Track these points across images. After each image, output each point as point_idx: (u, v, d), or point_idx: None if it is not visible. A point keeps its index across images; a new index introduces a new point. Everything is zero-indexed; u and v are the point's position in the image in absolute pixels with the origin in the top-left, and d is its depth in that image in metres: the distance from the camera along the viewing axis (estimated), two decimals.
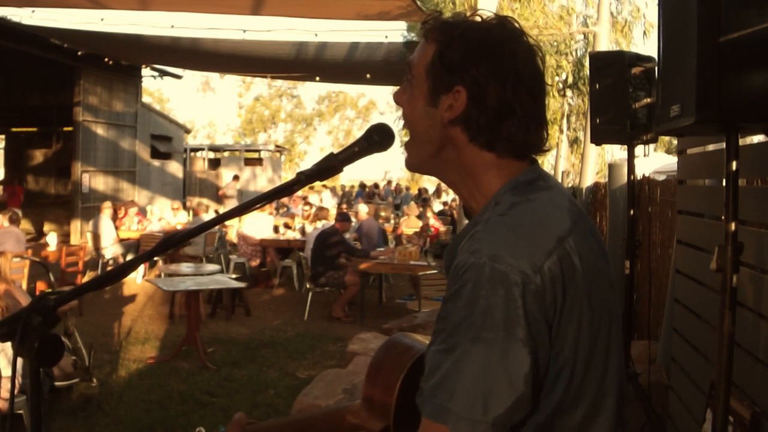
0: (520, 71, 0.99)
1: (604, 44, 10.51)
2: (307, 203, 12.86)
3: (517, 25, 1.04)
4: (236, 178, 16.76)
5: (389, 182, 24.91)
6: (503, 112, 0.99)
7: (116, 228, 10.08)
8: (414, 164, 1.10)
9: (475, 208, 1.04)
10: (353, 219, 10.12)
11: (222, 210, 14.94)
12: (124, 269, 1.05)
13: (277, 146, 27.22)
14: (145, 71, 15.71)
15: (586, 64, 9.24)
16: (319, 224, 9.35)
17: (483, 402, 0.83)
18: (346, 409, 1.26)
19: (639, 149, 4.00)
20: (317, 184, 1.29)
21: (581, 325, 0.92)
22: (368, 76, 12.74)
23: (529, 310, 0.86)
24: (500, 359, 0.84)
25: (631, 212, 3.30)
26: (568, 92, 16.55)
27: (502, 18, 1.04)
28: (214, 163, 23.62)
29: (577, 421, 0.92)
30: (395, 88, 1.10)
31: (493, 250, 0.88)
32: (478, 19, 1.04)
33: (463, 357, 0.84)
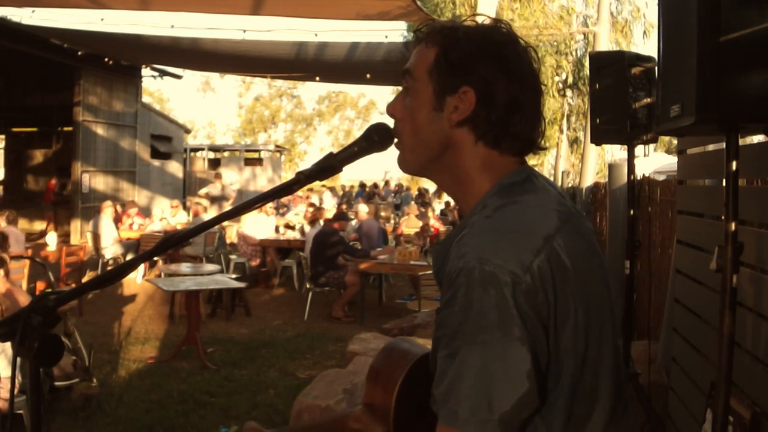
0: (524, 69, 1.02)
1: (604, 44, 10.52)
2: (310, 204, 12.83)
3: (510, 28, 1.06)
4: (218, 176, 13.95)
5: (387, 182, 24.88)
6: (512, 108, 1.00)
7: (117, 228, 10.07)
8: (411, 168, 1.10)
9: (466, 210, 1.04)
10: (354, 219, 10.11)
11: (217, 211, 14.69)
12: (124, 269, 1.05)
13: (277, 146, 27.22)
14: (145, 71, 15.69)
15: (586, 64, 9.25)
16: (317, 224, 9.34)
17: (487, 402, 0.84)
18: (348, 416, 1.27)
19: (639, 149, 4.01)
20: (317, 184, 1.30)
21: (576, 323, 0.92)
22: (368, 76, 12.73)
23: (522, 308, 0.87)
24: (499, 359, 0.85)
25: (631, 212, 3.30)
26: (568, 92, 16.56)
27: (496, 21, 1.06)
28: (214, 163, 23.61)
29: (571, 417, 0.93)
30: (395, 88, 1.11)
31: (479, 252, 0.89)
32: (473, 23, 1.06)
33: (464, 361, 0.86)
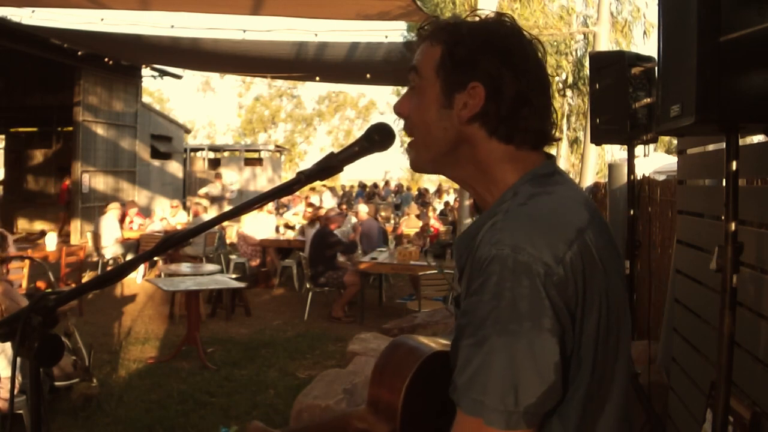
0: (529, 62, 1.02)
1: (604, 44, 10.51)
2: (309, 204, 12.83)
3: (514, 21, 1.06)
4: (218, 176, 15.14)
5: (387, 182, 24.87)
6: (520, 102, 1.00)
7: (121, 228, 10.05)
8: (423, 165, 1.09)
9: (489, 201, 1.04)
10: (354, 219, 10.10)
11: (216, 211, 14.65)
12: (124, 269, 1.05)
13: (277, 146, 27.18)
14: (145, 71, 15.67)
15: (586, 64, 9.25)
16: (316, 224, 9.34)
17: (514, 393, 0.84)
18: (351, 415, 1.25)
19: (639, 149, 4.00)
20: (317, 184, 1.30)
21: (600, 316, 0.93)
22: (368, 76, 12.72)
23: (553, 300, 0.86)
24: (528, 350, 0.84)
25: (631, 212, 3.30)
26: (568, 92, 16.55)
27: (500, 15, 1.06)
28: (214, 163, 23.58)
29: (585, 412, 0.93)
30: (395, 88, 1.11)
31: (514, 240, 0.88)
32: (477, 18, 1.06)
33: (492, 350, 0.85)
